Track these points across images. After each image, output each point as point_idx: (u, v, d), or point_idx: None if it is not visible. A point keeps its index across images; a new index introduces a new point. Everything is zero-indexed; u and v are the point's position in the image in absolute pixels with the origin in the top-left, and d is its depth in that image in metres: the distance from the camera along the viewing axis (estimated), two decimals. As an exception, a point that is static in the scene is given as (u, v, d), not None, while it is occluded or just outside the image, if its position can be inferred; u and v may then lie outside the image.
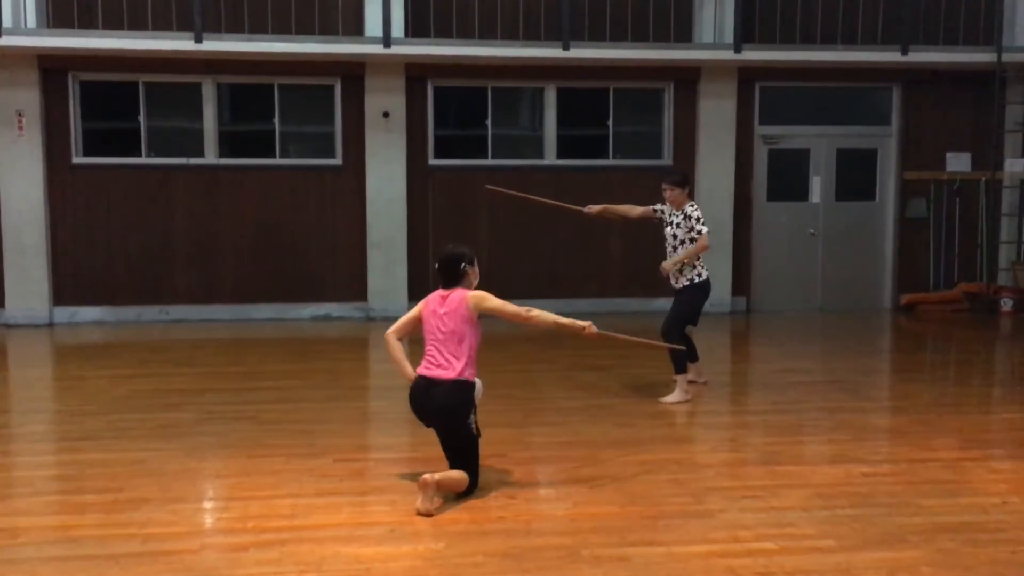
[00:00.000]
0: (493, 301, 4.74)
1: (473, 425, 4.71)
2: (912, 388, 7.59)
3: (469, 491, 4.66)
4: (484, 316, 4.79)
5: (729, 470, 5.22)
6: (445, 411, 4.68)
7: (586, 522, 4.33)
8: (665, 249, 7.05)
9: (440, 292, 4.86)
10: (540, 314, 4.79)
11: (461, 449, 4.71)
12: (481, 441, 4.81)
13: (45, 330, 10.51)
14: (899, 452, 5.55)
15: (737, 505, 4.55)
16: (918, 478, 5.01)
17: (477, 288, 4.88)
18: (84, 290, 10.92)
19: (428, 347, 4.83)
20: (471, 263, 4.86)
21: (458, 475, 4.63)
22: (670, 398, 6.82)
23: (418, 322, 4.92)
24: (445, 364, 4.71)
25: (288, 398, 7.02)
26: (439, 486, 4.48)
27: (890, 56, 11.41)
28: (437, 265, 4.90)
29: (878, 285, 12.38)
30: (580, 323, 4.87)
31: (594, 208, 7.45)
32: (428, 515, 4.39)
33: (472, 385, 4.71)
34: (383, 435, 6.32)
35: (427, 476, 4.43)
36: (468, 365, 4.71)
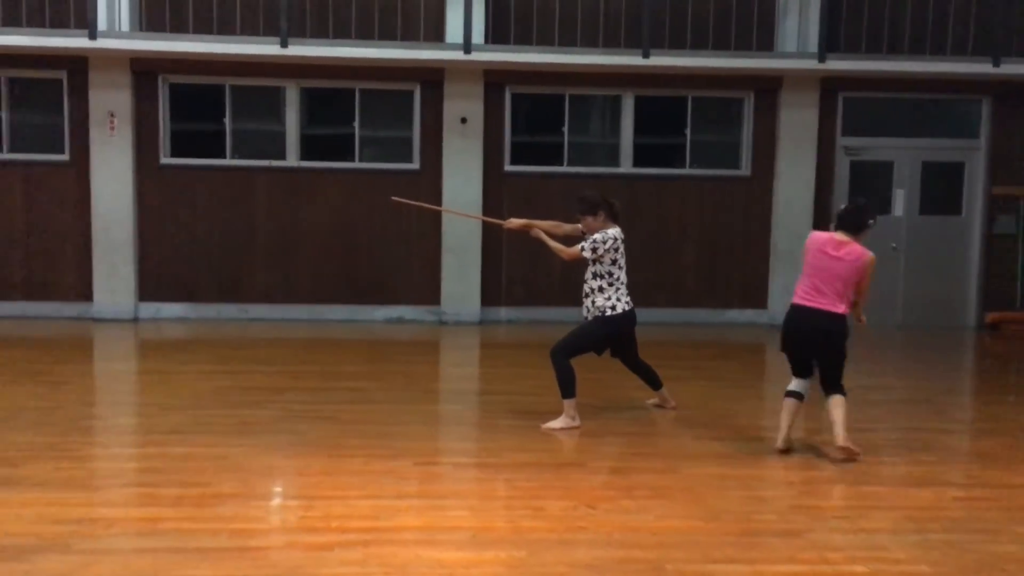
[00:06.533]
0: (870, 275, 5.57)
1: (846, 349, 5.62)
2: (1000, 410, 7.35)
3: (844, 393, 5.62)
4: None
5: (813, 488, 5.11)
6: (827, 335, 5.54)
7: (669, 536, 4.28)
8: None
9: (835, 235, 5.57)
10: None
11: (833, 364, 5.63)
12: (562, 444, 4.78)
13: (131, 325, 10.82)
14: (991, 476, 5.37)
15: (824, 525, 4.44)
16: (1014, 504, 4.83)
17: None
18: (168, 287, 11.23)
19: (812, 280, 5.56)
20: (874, 220, 5.70)
21: (839, 416, 5.57)
22: (553, 423, 6.24)
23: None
24: (828, 300, 5.52)
25: (365, 399, 7.10)
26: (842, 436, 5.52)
27: (980, 68, 11.08)
28: (842, 211, 5.69)
29: (962, 302, 12.02)
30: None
31: (515, 222, 6.66)
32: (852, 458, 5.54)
33: (847, 318, 5.56)
34: (459, 439, 6.34)
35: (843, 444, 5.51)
36: (847, 304, 5.53)
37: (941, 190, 11.94)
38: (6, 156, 11.03)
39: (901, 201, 11.84)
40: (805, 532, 4.35)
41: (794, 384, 5.80)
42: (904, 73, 11.10)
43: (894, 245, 11.82)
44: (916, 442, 6.14)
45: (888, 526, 4.45)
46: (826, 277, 5.54)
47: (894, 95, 11.63)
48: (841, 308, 5.53)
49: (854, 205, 5.75)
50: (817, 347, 5.65)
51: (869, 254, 5.55)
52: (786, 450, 5.69)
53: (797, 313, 5.66)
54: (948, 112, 11.90)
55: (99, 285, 11.02)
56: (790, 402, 5.77)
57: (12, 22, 10.65)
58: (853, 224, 5.60)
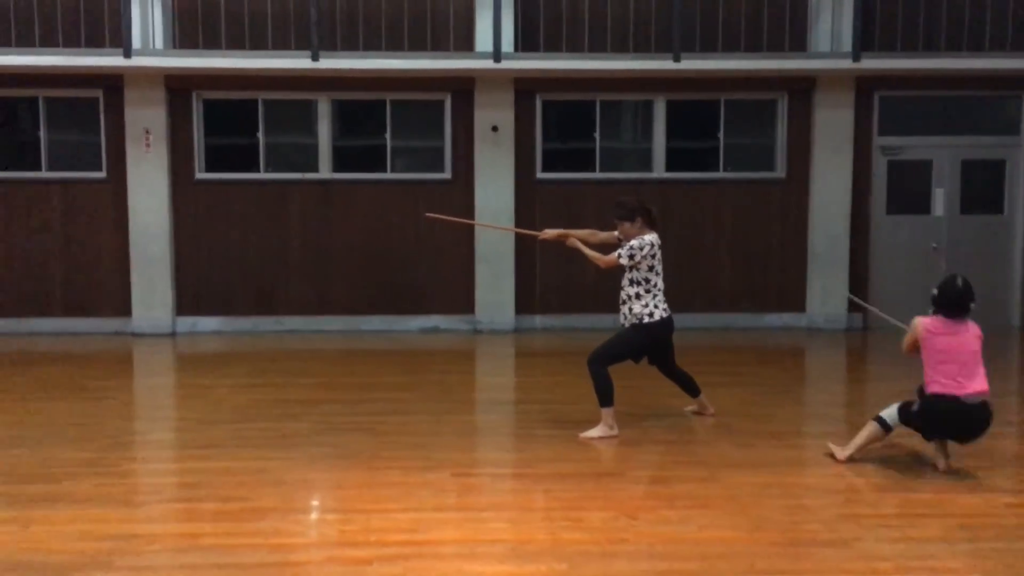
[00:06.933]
0: None
1: None
2: (1050, 413, 7.17)
3: None
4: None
5: (859, 496, 5.01)
6: (986, 424, 5.34)
7: (712, 547, 4.21)
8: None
9: (944, 319, 5.36)
10: None
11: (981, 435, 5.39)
12: (601, 453, 4.72)
13: (168, 339, 10.92)
14: (1043, 482, 5.23)
15: (872, 534, 4.34)
16: (1068, 511, 4.70)
17: None
18: (204, 301, 11.32)
19: (948, 366, 5.30)
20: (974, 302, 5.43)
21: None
22: (591, 433, 6.20)
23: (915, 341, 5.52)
24: (973, 381, 5.29)
25: (401, 410, 7.08)
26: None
27: (1019, 63, 10.87)
28: (959, 298, 5.34)
29: (1005, 302, 11.78)
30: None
31: (551, 232, 6.64)
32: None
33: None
34: (497, 450, 6.30)
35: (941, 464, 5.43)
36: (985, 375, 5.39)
37: (982, 188, 11.71)
38: (45, 174, 11.19)
39: (941, 200, 11.64)
40: (853, 541, 4.25)
41: (890, 417, 5.56)
42: (941, 70, 10.91)
43: (935, 245, 11.62)
44: (963, 447, 5.98)
45: (938, 534, 4.34)
46: (962, 357, 5.30)
47: (931, 93, 11.44)
48: (986, 385, 5.32)
49: (954, 289, 5.34)
50: (971, 434, 5.40)
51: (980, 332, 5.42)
52: (847, 461, 5.56)
53: (954, 406, 5.27)
54: (987, 109, 11.68)
55: (137, 300, 11.14)
56: (876, 428, 5.56)
57: (49, 42, 10.82)
58: (954, 311, 5.35)
